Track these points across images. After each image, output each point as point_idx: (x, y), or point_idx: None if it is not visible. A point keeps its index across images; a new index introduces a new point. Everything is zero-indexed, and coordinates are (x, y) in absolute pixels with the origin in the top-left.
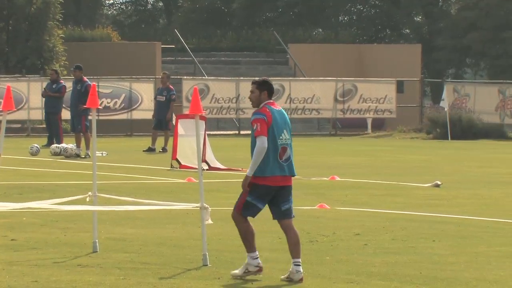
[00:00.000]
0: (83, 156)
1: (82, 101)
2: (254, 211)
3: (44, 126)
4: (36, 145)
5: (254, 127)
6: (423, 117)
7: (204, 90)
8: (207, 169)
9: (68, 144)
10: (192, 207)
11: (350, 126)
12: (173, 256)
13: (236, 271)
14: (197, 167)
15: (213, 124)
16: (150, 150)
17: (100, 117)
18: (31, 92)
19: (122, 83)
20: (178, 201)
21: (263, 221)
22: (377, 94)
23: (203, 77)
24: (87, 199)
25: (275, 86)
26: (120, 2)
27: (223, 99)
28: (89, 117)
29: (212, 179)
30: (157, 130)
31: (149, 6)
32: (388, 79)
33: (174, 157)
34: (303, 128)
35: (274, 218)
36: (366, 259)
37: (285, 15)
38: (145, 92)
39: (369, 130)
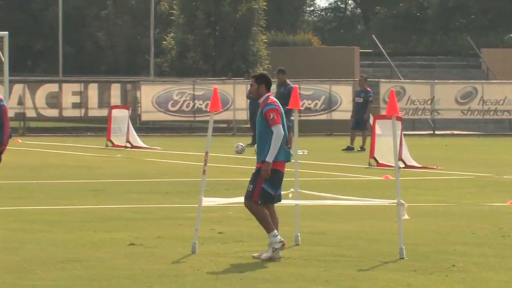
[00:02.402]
0: None
1: (285, 103)
2: (268, 198)
3: (249, 125)
4: (241, 144)
5: (271, 117)
6: None
7: (400, 92)
8: (403, 167)
9: None
10: (389, 203)
11: None
12: (371, 250)
13: (266, 254)
14: (393, 165)
15: (408, 124)
16: (349, 149)
17: (302, 118)
18: (237, 94)
19: (322, 85)
20: (375, 197)
21: (460, 216)
22: None
23: (400, 80)
24: (289, 195)
25: (469, 88)
26: (320, 9)
27: (418, 101)
28: (292, 118)
29: (408, 177)
30: (355, 130)
31: (348, 12)
32: None
33: (372, 156)
34: (495, 129)
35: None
36: None
37: (478, 21)
38: (344, 94)
39: None
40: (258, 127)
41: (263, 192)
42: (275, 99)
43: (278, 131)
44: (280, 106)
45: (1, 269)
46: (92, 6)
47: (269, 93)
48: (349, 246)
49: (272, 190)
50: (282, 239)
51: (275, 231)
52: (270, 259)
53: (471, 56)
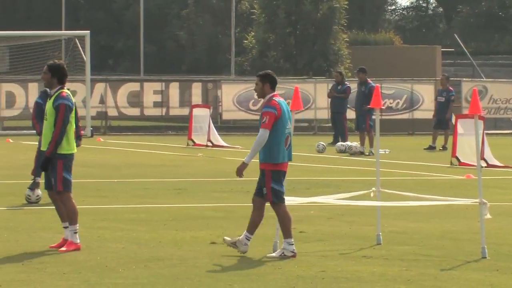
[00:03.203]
0: (367, 154)
1: (366, 102)
2: (281, 196)
3: (330, 125)
4: (322, 143)
5: (263, 120)
6: None
7: (482, 91)
8: (485, 166)
9: (353, 142)
10: (471, 202)
11: None
12: (453, 249)
13: (273, 254)
14: (475, 164)
15: (490, 123)
16: (431, 148)
17: (383, 117)
18: (318, 93)
19: (404, 84)
20: (457, 196)
21: None
22: None
23: (482, 79)
24: (371, 194)
25: None
26: (402, 8)
27: (500, 100)
28: (373, 117)
29: (490, 176)
30: (437, 129)
31: (430, 11)
32: None
33: (454, 155)
34: None
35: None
36: None
37: None
38: (426, 93)
39: None
40: (260, 125)
41: (275, 191)
42: (279, 101)
43: (263, 134)
44: (282, 109)
45: (83, 267)
46: (173, 5)
47: (274, 93)
48: (431, 245)
49: (282, 188)
50: (295, 252)
51: (291, 239)
52: (274, 257)
53: None
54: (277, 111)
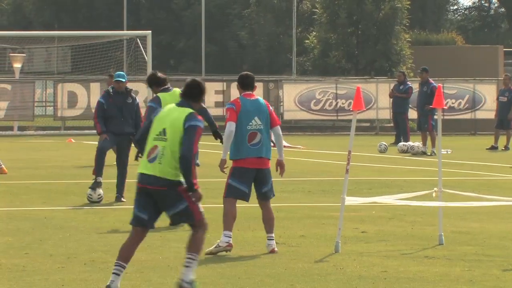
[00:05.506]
0: (429, 154)
1: (428, 102)
2: (237, 193)
3: (392, 125)
4: (384, 143)
5: (226, 115)
6: None
7: None
8: None
9: (415, 142)
10: None
11: None
12: None
13: (211, 248)
14: None
15: None
16: (493, 148)
17: (445, 117)
18: (380, 93)
19: (466, 84)
20: None
21: None
22: None
23: None
24: (433, 195)
25: None
26: (464, 8)
27: None
28: (435, 117)
29: None
30: (499, 129)
31: (492, 11)
32: None
33: None
34: None
35: (257, 198)
36: None
37: None
38: (488, 93)
39: None
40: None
41: (230, 187)
42: (241, 98)
43: (228, 127)
44: (243, 105)
45: (145, 267)
46: (235, 5)
47: (244, 92)
48: (493, 245)
49: (241, 185)
50: (230, 242)
51: (229, 232)
52: (212, 253)
53: None
54: (235, 106)
